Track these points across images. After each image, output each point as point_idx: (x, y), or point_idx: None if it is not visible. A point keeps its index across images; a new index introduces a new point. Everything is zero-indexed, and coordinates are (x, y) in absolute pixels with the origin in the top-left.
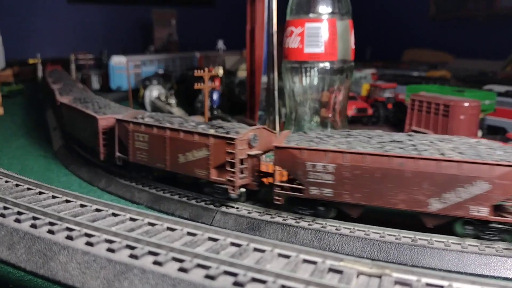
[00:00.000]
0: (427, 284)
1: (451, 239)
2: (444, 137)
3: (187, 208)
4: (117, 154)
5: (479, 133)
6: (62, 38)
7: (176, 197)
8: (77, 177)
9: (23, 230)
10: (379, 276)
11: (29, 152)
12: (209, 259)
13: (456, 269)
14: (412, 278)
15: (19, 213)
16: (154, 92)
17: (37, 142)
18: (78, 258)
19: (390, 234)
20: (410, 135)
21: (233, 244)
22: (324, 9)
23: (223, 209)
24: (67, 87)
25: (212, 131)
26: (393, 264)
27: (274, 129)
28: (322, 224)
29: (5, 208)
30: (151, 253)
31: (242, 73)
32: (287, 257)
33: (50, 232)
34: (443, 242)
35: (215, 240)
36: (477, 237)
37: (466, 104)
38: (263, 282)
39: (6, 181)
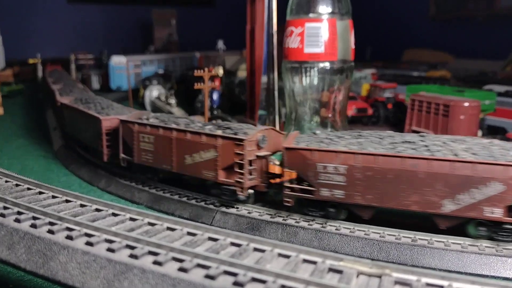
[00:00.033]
0: (427, 284)
1: (451, 239)
2: (456, 137)
3: (187, 208)
4: (122, 155)
5: (479, 133)
6: (62, 38)
7: (176, 197)
8: (77, 177)
9: (23, 230)
10: (379, 276)
11: (29, 152)
12: (209, 259)
13: (456, 269)
14: (412, 278)
15: (19, 213)
16: (154, 92)
17: (37, 142)
18: (78, 258)
19: (390, 234)
20: (422, 136)
21: (233, 244)
22: (324, 9)
23: (223, 209)
24: (68, 87)
25: (219, 132)
26: (393, 264)
27: None
28: (322, 224)
29: (5, 208)
30: (151, 253)
31: (242, 73)
32: (287, 257)
33: (50, 232)
34: (443, 242)
35: (215, 240)
36: (490, 238)
37: (466, 104)
38: (263, 282)
39: (6, 181)
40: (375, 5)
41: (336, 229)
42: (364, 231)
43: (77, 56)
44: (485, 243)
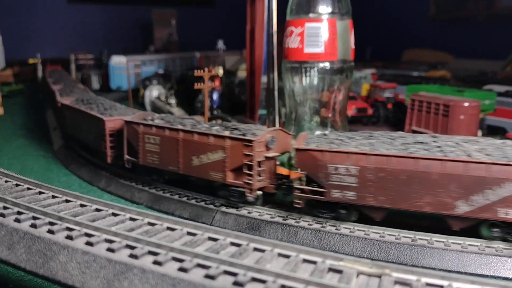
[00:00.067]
0: (427, 284)
1: (451, 239)
2: (469, 138)
3: (187, 208)
4: (126, 156)
5: (479, 133)
6: (62, 38)
7: (176, 197)
8: (77, 177)
9: (23, 230)
10: (379, 276)
11: (29, 152)
12: (209, 259)
13: (456, 269)
14: (412, 278)
15: (19, 213)
16: (154, 92)
17: (37, 142)
18: (78, 257)
19: (390, 234)
20: (434, 136)
21: (233, 244)
22: (324, 9)
23: (223, 209)
24: (68, 87)
25: (227, 133)
26: (393, 264)
27: None
28: (321, 224)
29: (5, 208)
30: (151, 252)
31: (242, 73)
32: (287, 257)
33: (50, 232)
34: (443, 242)
35: (215, 240)
36: (504, 239)
37: (466, 104)
38: (263, 282)
39: (6, 181)
40: (375, 5)
41: (336, 229)
42: (364, 231)
43: (77, 56)
44: (484, 243)
